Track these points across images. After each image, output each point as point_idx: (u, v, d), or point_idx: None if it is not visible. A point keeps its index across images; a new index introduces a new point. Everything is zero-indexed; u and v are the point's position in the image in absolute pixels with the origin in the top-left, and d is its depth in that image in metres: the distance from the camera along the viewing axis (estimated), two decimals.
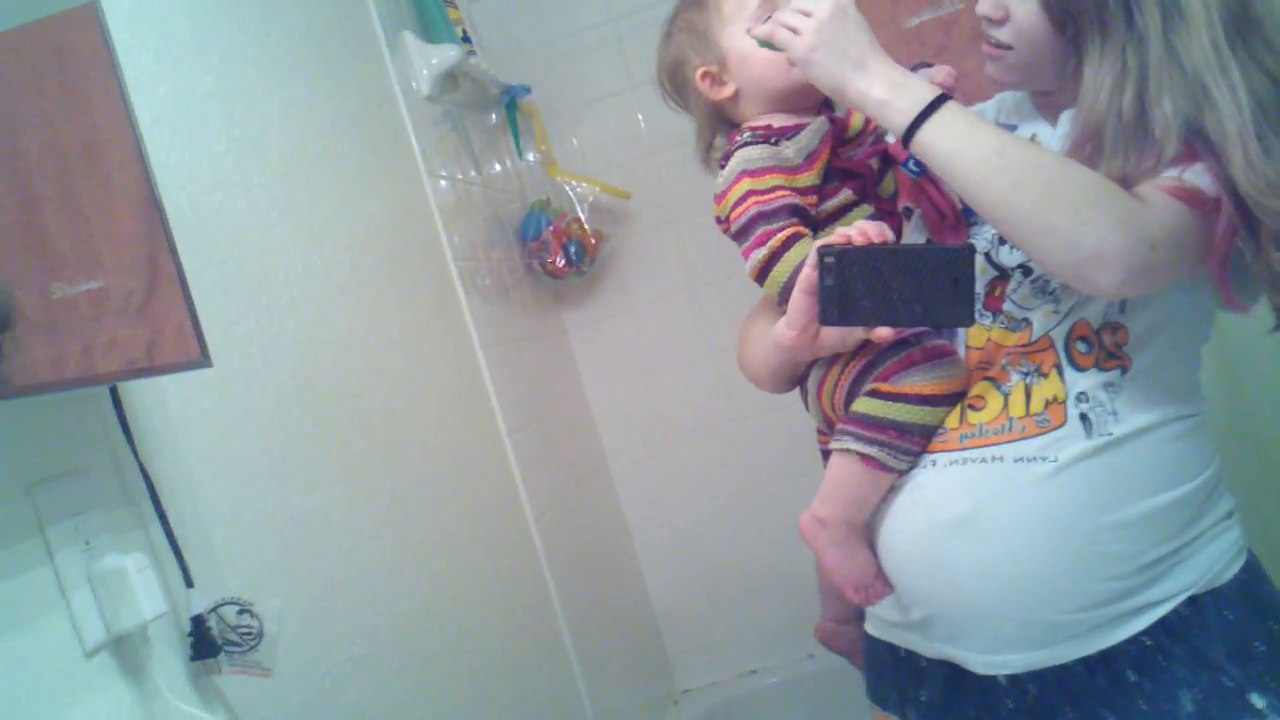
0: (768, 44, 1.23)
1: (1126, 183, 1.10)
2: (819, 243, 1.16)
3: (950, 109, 1.12)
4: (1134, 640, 1.15)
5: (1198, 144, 1.09)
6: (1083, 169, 1.09)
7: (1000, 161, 1.09)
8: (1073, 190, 1.06)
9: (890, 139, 1.32)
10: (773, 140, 1.29)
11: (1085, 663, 1.16)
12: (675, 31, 1.39)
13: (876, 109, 1.15)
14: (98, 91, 1.17)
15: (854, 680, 1.56)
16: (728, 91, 1.35)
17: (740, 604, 2.99)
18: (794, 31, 1.18)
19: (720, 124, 1.40)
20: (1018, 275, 1.22)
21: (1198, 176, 1.09)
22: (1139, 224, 1.05)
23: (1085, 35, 1.14)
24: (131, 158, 1.17)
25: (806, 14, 1.18)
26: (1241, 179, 1.06)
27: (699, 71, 1.36)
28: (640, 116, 2.92)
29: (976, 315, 1.23)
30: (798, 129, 1.30)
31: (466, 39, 2.48)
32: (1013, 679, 1.20)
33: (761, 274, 1.26)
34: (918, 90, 1.13)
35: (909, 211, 1.32)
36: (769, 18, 1.26)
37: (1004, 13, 1.21)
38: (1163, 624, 1.14)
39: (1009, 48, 1.22)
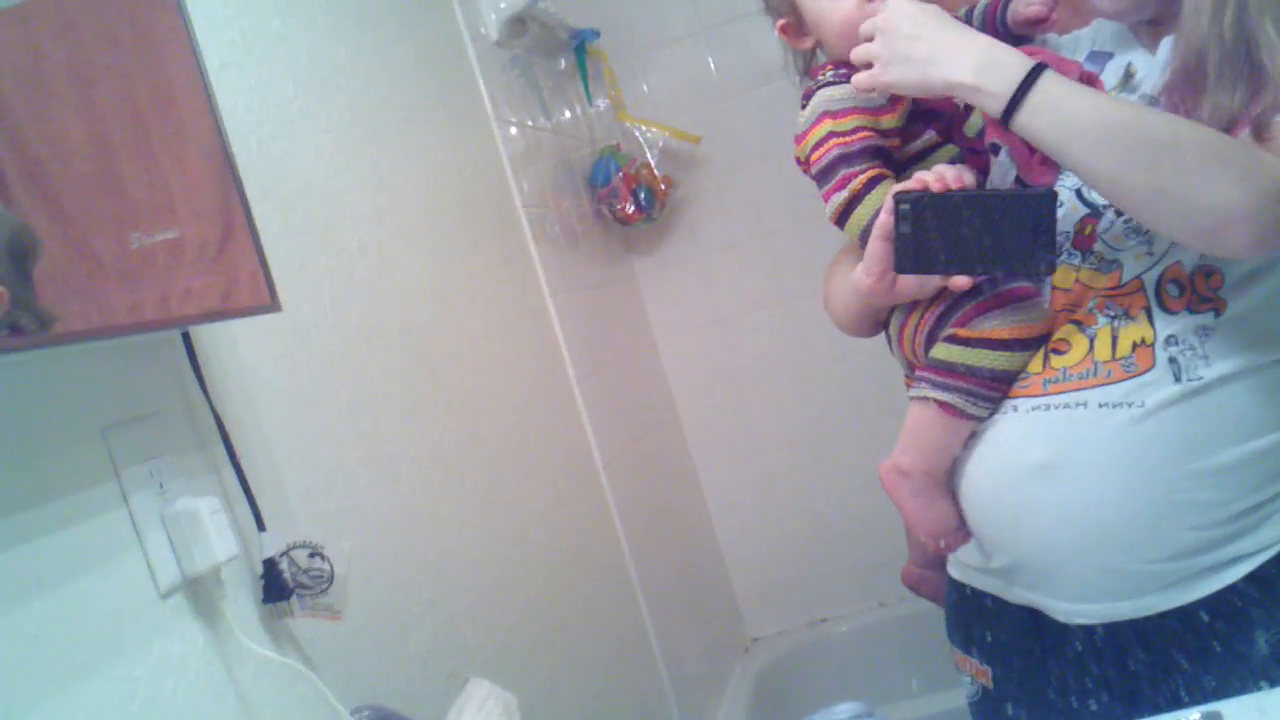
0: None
1: (1242, 123, 1.05)
2: (895, 188, 1.13)
3: (1046, 83, 1.06)
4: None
5: None
6: (1196, 126, 1.04)
7: (1107, 133, 1.04)
8: (1189, 152, 1.01)
9: None
10: None
11: None
12: None
13: (969, 95, 1.10)
14: (168, 39, 1.17)
15: (924, 628, 1.53)
16: (808, 44, 1.33)
17: (810, 552, 2.98)
18: (870, 65, 1.15)
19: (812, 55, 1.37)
20: (1110, 214, 1.18)
21: None
22: (1265, 178, 1.00)
23: None
24: (202, 107, 1.17)
25: (870, 39, 1.15)
26: None
27: (779, 24, 1.33)
28: (710, 60, 2.87)
29: (1064, 256, 1.19)
30: None
31: None
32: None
33: (842, 217, 1.23)
34: (1008, 68, 1.08)
35: (996, 148, 1.28)
36: None
37: None
38: (1249, 575, 1.11)
39: None
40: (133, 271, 1.05)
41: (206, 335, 1.22)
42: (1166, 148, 1.02)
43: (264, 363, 1.32)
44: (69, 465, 1.00)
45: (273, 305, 1.19)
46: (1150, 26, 1.21)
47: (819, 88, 1.26)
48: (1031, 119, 1.06)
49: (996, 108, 1.08)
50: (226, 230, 1.17)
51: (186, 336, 1.16)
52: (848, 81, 1.24)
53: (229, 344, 1.26)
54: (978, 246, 1.10)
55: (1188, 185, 1.00)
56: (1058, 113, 1.06)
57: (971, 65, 1.09)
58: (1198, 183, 1.00)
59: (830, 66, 1.28)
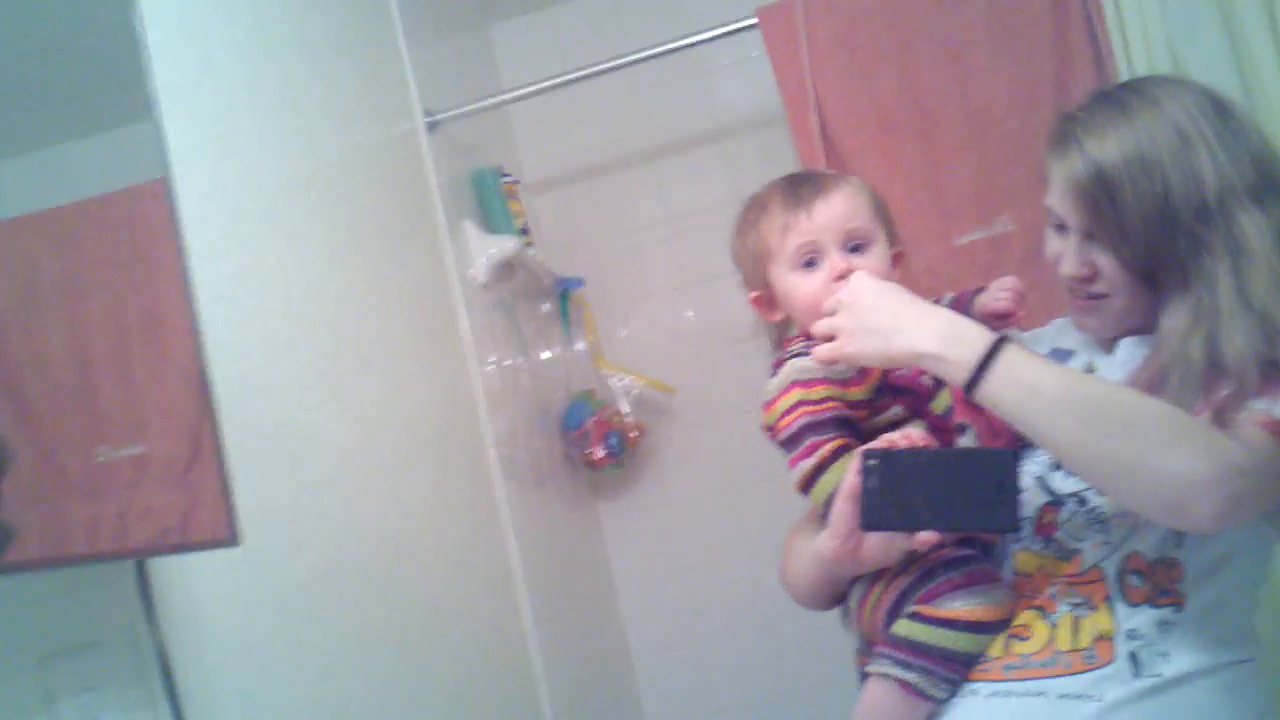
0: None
1: (1199, 410, 1.09)
2: (863, 448, 1.15)
3: (1009, 355, 1.09)
4: None
5: (1276, 374, 1.08)
6: (1157, 402, 1.08)
7: (1070, 403, 1.07)
8: (1152, 425, 1.05)
9: None
10: None
11: None
12: (736, 241, 1.40)
13: (933, 365, 1.13)
14: (163, 264, 1.20)
15: None
16: (778, 317, 1.36)
17: None
18: (833, 337, 1.19)
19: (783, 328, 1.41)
20: (1071, 503, 1.20)
21: None
22: (1223, 452, 1.02)
23: (1164, 283, 1.15)
24: (187, 330, 1.19)
25: (834, 314, 1.19)
26: None
27: (750, 295, 1.37)
28: (690, 313, 2.95)
29: (1025, 542, 1.20)
30: None
31: (525, 231, 2.54)
32: None
33: (807, 484, 1.24)
34: (972, 339, 1.11)
35: (962, 428, 1.31)
36: (808, 262, 1.28)
37: (1092, 269, 1.22)
38: None
39: (1104, 296, 1.22)
40: (96, 485, 1.04)
41: (161, 562, 1.20)
42: (1130, 420, 1.05)
43: (216, 595, 1.29)
44: (2, 696, 0.97)
45: (231, 540, 1.17)
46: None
47: (790, 357, 1.30)
48: (995, 389, 1.09)
49: (961, 377, 1.10)
50: (195, 451, 1.17)
51: (141, 564, 1.14)
52: None
53: (182, 572, 1.24)
54: (942, 502, 1.11)
55: (1152, 456, 1.03)
56: (1021, 383, 1.08)
57: (935, 335, 1.12)
58: (1162, 454, 1.02)
59: (801, 338, 1.32)
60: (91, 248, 1.13)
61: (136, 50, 1.16)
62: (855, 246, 1.29)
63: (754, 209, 1.36)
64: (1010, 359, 1.09)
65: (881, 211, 1.34)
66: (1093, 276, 1.22)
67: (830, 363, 1.20)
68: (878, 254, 1.30)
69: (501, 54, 3.01)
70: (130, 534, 1.08)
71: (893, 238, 1.34)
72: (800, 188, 1.32)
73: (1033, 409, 1.08)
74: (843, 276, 1.26)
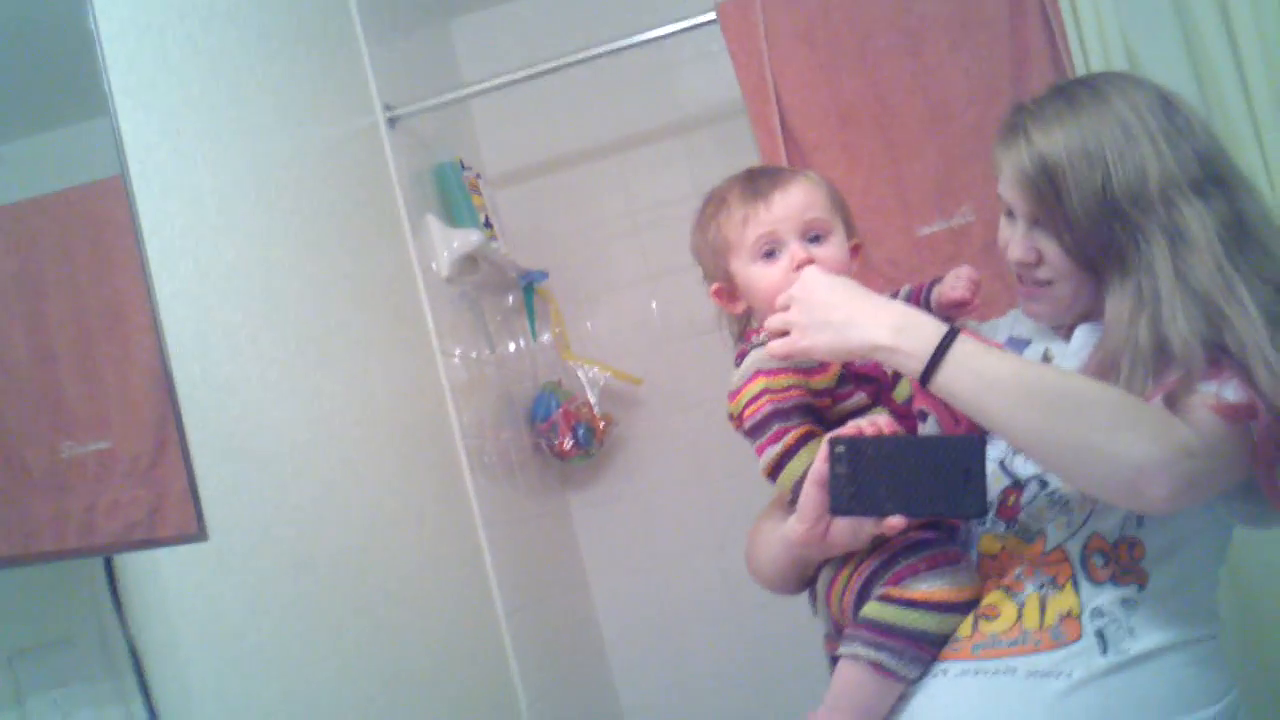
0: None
1: (1151, 396, 1.10)
2: (831, 434, 1.16)
3: (962, 345, 1.12)
4: None
5: (1223, 358, 1.10)
6: (1108, 388, 1.10)
7: (1024, 391, 1.09)
8: (1104, 411, 1.07)
9: None
10: None
11: None
12: (696, 236, 1.41)
13: (887, 358, 1.15)
14: (122, 261, 1.19)
15: None
16: (739, 309, 1.37)
17: None
18: (786, 333, 1.21)
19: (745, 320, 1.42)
20: (1033, 485, 1.21)
21: (1235, 391, 1.09)
22: (1174, 435, 1.05)
23: (1106, 270, 1.17)
24: (148, 326, 1.18)
25: (785, 308, 1.21)
26: (1267, 389, 1.07)
27: (712, 287, 1.38)
28: (654, 304, 2.96)
29: (989, 524, 1.21)
30: None
31: (489, 224, 2.54)
32: None
33: (774, 471, 1.25)
34: (925, 331, 1.14)
35: (924, 414, 1.33)
36: (768, 252, 1.30)
37: (1036, 255, 1.24)
38: None
39: (1050, 282, 1.24)
40: (61, 481, 1.04)
41: (130, 558, 1.19)
42: (1082, 406, 1.07)
43: (185, 589, 1.28)
44: None
45: (199, 534, 1.17)
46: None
47: (753, 347, 1.31)
48: (950, 379, 1.11)
49: (915, 368, 1.12)
50: (160, 446, 1.17)
51: (109, 560, 1.14)
52: None
53: (151, 567, 1.23)
54: (911, 488, 1.13)
55: (1105, 441, 1.05)
56: (974, 373, 1.10)
57: (888, 327, 1.14)
58: (1114, 438, 1.05)
59: (763, 328, 1.33)
60: (48, 244, 1.12)
61: (91, 46, 1.15)
62: (814, 237, 1.31)
63: (713, 204, 1.37)
64: (963, 350, 1.11)
65: (839, 204, 1.36)
66: (1037, 262, 1.24)
67: (785, 358, 1.22)
68: (836, 244, 1.32)
69: (462, 48, 3.00)
70: (97, 530, 1.08)
71: (850, 230, 1.36)
72: (758, 181, 1.34)
73: (987, 398, 1.10)
74: (802, 265, 1.27)
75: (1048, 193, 1.19)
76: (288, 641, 1.45)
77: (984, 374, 1.10)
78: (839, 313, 1.17)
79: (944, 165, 2.21)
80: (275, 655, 1.42)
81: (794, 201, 1.30)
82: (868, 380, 1.30)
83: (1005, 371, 1.11)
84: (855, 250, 1.36)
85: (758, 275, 1.31)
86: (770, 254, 1.31)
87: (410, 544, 1.90)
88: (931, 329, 1.13)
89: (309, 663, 1.49)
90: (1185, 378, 1.11)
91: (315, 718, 1.47)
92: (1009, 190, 1.25)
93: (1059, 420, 1.07)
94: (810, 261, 1.28)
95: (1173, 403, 1.10)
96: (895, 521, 1.14)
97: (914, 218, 2.24)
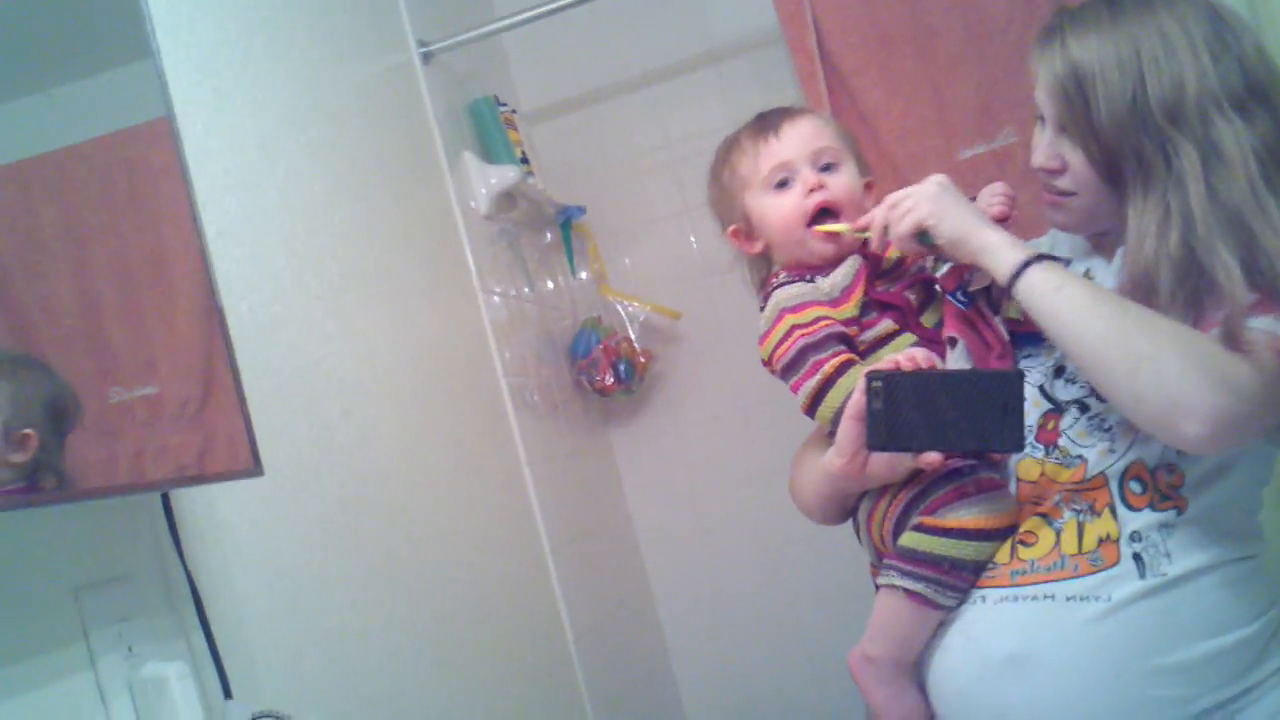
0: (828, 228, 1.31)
1: (1205, 327, 1.10)
2: (868, 369, 1.16)
3: (1049, 263, 1.15)
4: None
5: (1270, 289, 1.09)
6: (1172, 322, 1.09)
7: (1096, 309, 1.10)
8: (1162, 341, 1.07)
9: (941, 270, 1.33)
10: (808, 277, 1.32)
11: None
12: (711, 185, 1.44)
13: (992, 252, 1.18)
14: (166, 204, 1.21)
15: None
16: (757, 247, 1.39)
17: None
18: (906, 211, 1.23)
19: (765, 262, 1.43)
20: (1073, 411, 1.21)
21: None
22: (1229, 376, 1.04)
23: (1128, 181, 1.15)
24: (197, 269, 1.20)
25: (908, 195, 1.24)
26: None
27: (729, 229, 1.40)
28: (693, 238, 2.95)
29: (1028, 446, 1.21)
30: (832, 266, 1.32)
31: (525, 160, 2.53)
32: None
33: (814, 403, 1.26)
34: (1021, 247, 1.18)
35: (953, 341, 1.32)
36: (782, 182, 1.33)
37: (1060, 162, 1.22)
38: None
39: (1073, 193, 1.23)
40: (112, 426, 1.06)
41: (186, 496, 1.22)
42: (1147, 331, 1.07)
43: (240, 526, 1.31)
44: (39, 626, 0.99)
45: (255, 469, 1.19)
46: (1104, 237, 1.27)
47: (774, 289, 1.32)
48: (1039, 282, 1.14)
49: (1010, 263, 1.16)
50: (208, 389, 1.19)
51: (165, 497, 1.17)
52: (801, 280, 1.30)
53: (207, 505, 1.26)
54: (948, 423, 1.13)
55: (1160, 369, 1.05)
56: (1055, 286, 1.13)
57: (998, 234, 1.20)
58: (1169, 369, 1.04)
59: (783, 269, 1.34)
60: (92, 190, 1.13)
61: None
62: (826, 166, 1.33)
63: (724, 148, 1.42)
64: (1051, 265, 1.16)
65: (849, 140, 1.39)
66: (1061, 169, 1.23)
67: (911, 233, 1.24)
68: (848, 174, 1.34)
69: None
70: (148, 471, 1.10)
71: (864, 168, 1.38)
72: (767, 118, 1.38)
73: (1064, 307, 1.12)
74: (815, 189, 1.31)
75: (1076, 100, 1.17)
76: (339, 576, 1.48)
77: (1063, 287, 1.13)
78: (958, 208, 1.22)
79: (985, 86, 2.18)
80: (327, 589, 1.45)
81: (804, 131, 1.34)
82: (891, 308, 1.31)
83: (1082, 289, 1.14)
84: (868, 188, 1.38)
85: (773, 204, 1.34)
86: (784, 184, 1.34)
87: (457, 481, 1.92)
88: (1027, 249, 1.18)
89: (360, 596, 1.52)
90: (1235, 311, 1.09)
91: (367, 649, 1.51)
92: (1042, 95, 1.23)
93: (1117, 342, 1.08)
94: (822, 187, 1.31)
95: (1230, 339, 1.09)
96: (931, 457, 1.15)
97: (956, 140, 2.21)
